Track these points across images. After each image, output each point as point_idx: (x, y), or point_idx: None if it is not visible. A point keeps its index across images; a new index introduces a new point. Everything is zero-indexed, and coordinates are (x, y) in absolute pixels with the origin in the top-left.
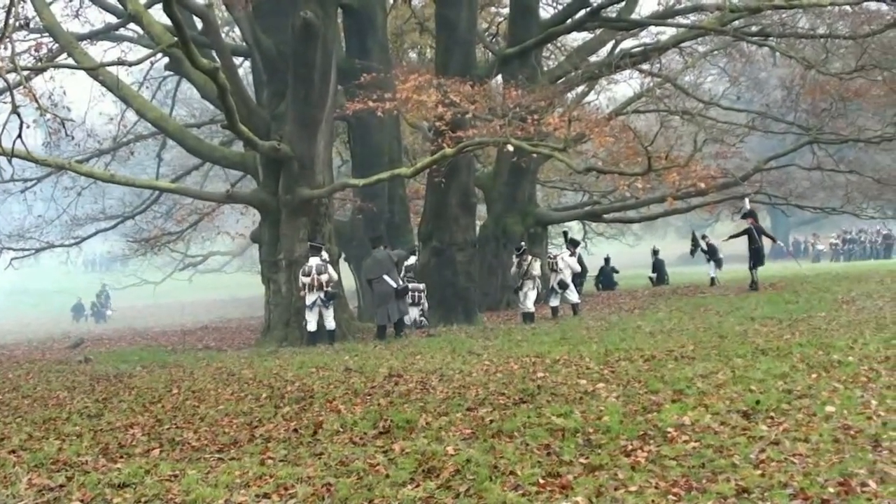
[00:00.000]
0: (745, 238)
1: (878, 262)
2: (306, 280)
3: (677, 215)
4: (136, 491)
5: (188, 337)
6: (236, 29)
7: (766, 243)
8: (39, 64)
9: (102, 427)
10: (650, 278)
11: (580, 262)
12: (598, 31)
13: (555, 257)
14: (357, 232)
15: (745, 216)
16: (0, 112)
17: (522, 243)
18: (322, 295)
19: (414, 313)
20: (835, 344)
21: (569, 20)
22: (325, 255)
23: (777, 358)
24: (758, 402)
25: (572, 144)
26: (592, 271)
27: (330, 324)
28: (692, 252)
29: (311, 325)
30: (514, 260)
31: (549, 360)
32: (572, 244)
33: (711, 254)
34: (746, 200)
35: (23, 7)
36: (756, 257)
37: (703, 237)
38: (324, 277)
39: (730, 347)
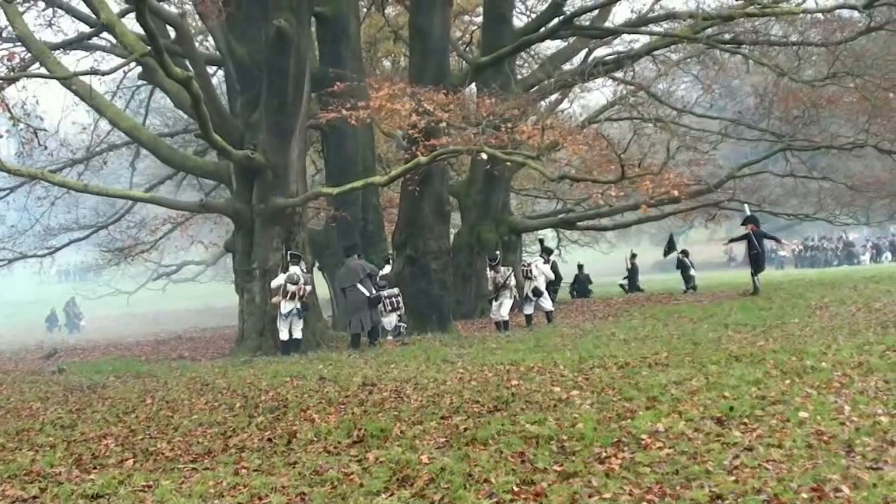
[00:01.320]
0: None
1: (841, 269)
2: (293, 288)
3: (651, 223)
4: (109, 502)
5: (162, 347)
6: (210, 38)
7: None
8: (12, 73)
9: (76, 438)
10: (621, 285)
11: (554, 269)
12: (571, 40)
13: (529, 265)
14: (331, 241)
15: (745, 222)
16: None
17: (497, 252)
18: (299, 305)
19: (393, 319)
20: (808, 350)
21: (542, 28)
22: (303, 265)
23: (751, 364)
24: (731, 409)
25: (546, 153)
26: (567, 278)
27: (297, 333)
28: (665, 254)
29: (284, 335)
30: (490, 273)
31: (523, 367)
32: (546, 252)
33: (683, 270)
34: (746, 206)
35: None
36: (755, 263)
37: (683, 251)
38: (308, 288)
39: (703, 354)
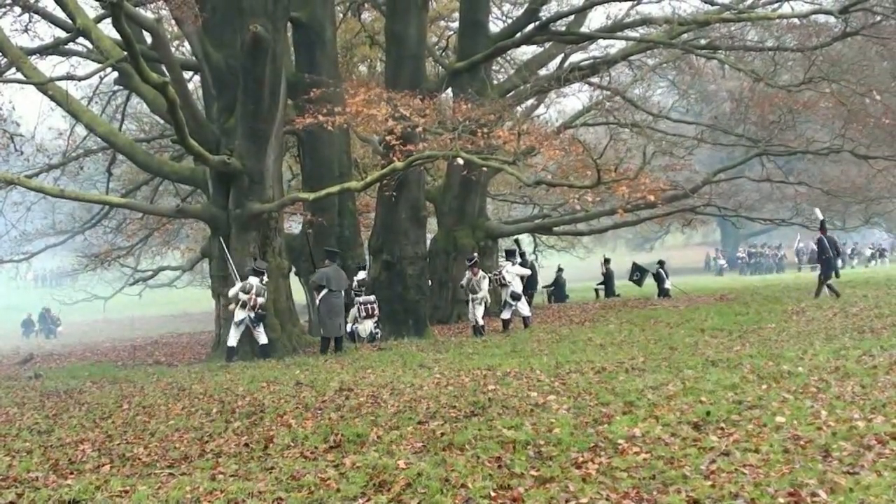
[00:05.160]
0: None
1: (776, 276)
2: (245, 297)
3: (627, 228)
4: None
5: (138, 352)
6: (186, 43)
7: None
8: None
9: (52, 443)
10: (596, 290)
11: (524, 265)
12: (547, 45)
13: (500, 272)
14: (308, 246)
15: (821, 227)
16: None
17: (475, 254)
18: (252, 315)
19: (369, 325)
20: (784, 355)
21: (518, 34)
22: (265, 278)
23: (727, 369)
24: (708, 414)
25: (522, 158)
26: (545, 282)
27: (262, 339)
28: (638, 283)
29: (232, 342)
30: (467, 274)
31: (500, 372)
32: (510, 255)
33: (659, 282)
34: (818, 211)
35: None
36: (825, 268)
37: (660, 262)
38: (260, 300)
39: (680, 359)
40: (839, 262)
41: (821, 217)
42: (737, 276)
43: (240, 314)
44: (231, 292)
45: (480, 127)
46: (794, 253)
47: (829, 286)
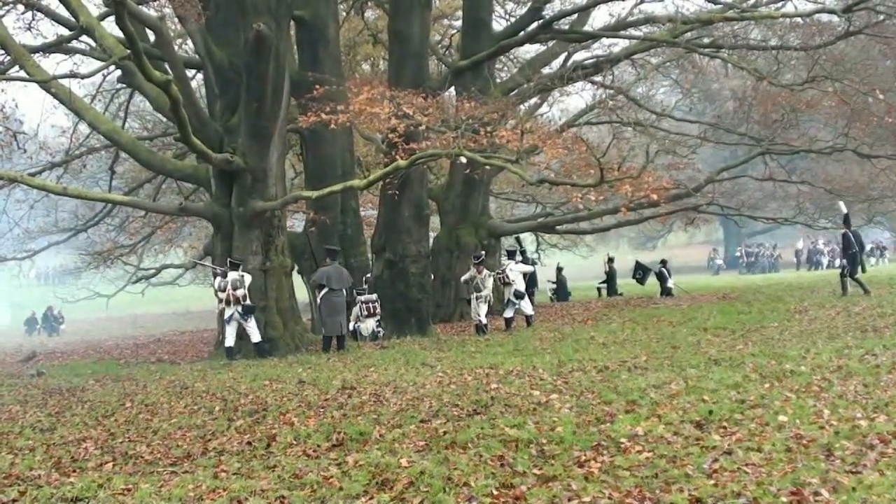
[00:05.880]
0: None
1: (772, 275)
2: (222, 295)
3: (630, 226)
4: None
5: (141, 350)
6: (189, 41)
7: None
8: None
9: (55, 441)
10: (598, 289)
11: (525, 262)
12: (550, 44)
13: (503, 270)
14: (310, 245)
15: (845, 221)
16: None
17: (482, 252)
18: (239, 309)
19: (370, 324)
20: (787, 354)
21: (521, 32)
22: (242, 269)
23: (730, 368)
24: (711, 413)
25: (525, 156)
26: (545, 282)
27: (255, 337)
28: (641, 281)
29: (229, 341)
30: (472, 271)
31: (502, 371)
32: (510, 255)
33: (662, 281)
34: (842, 204)
35: None
36: (851, 263)
37: (662, 262)
38: (239, 292)
39: (683, 358)
40: (878, 261)
41: (845, 210)
42: (736, 275)
43: (227, 311)
44: (216, 283)
45: (483, 125)
46: (793, 254)
47: (843, 282)
